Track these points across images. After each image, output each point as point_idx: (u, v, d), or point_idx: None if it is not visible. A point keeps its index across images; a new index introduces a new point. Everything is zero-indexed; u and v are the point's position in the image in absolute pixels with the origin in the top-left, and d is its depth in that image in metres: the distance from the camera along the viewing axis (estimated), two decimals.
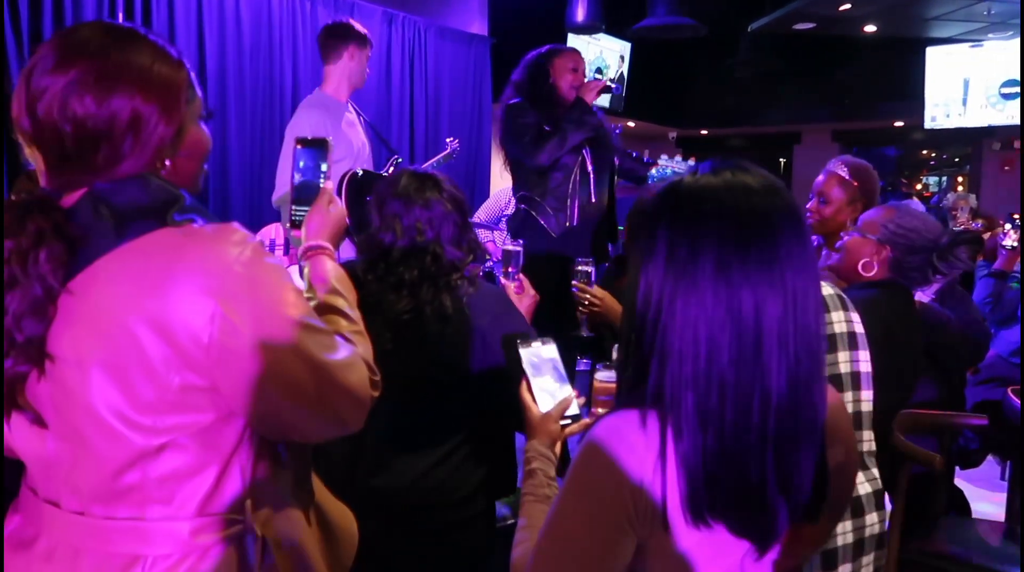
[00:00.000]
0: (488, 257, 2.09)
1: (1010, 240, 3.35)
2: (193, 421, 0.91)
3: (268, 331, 0.90)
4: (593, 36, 6.89)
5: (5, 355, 0.89)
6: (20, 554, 0.94)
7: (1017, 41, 7.06)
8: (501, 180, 4.87)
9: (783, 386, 0.85)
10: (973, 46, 7.35)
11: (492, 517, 1.69)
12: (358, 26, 3.22)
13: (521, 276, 1.96)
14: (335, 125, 3.05)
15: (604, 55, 7.46)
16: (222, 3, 4.35)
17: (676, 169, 3.87)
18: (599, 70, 7.35)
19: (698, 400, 0.84)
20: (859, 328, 1.50)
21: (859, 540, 1.42)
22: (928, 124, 7.65)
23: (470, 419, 1.61)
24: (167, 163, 0.97)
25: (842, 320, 1.48)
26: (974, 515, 2.73)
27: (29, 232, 0.87)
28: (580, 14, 5.76)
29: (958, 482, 2.85)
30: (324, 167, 1.21)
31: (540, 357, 1.36)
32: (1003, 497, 3.45)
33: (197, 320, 0.88)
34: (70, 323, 0.89)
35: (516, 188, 3.15)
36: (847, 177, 2.47)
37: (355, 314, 1.10)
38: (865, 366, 1.49)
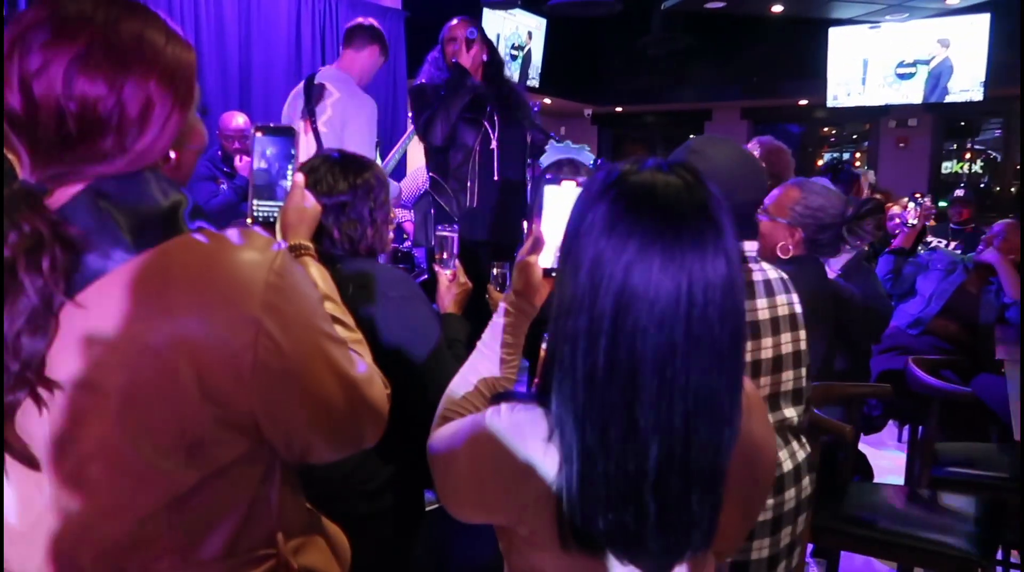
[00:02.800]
0: (407, 237, 1.99)
1: (911, 218, 3.53)
2: (225, 455, 0.80)
3: (307, 348, 0.81)
4: (508, 11, 6.82)
5: None
6: None
7: (913, 23, 7.40)
8: (420, 158, 4.78)
9: (673, 433, 0.80)
10: (872, 27, 7.66)
11: (410, 510, 1.65)
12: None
13: (457, 263, 1.85)
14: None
15: (519, 30, 7.40)
16: None
17: (571, 148, 3.89)
18: (516, 46, 7.30)
19: (577, 430, 0.81)
20: (798, 308, 1.53)
21: (777, 516, 1.45)
22: (830, 103, 7.95)
23: None
24: (172, 157, 0.85)
25: (785, 302, 1.50)
26: (876, 476, 2.88)
27: (24, 233, 0.73)
28: None
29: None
30: (293, 157, 1.13)
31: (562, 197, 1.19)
32: (899, 457, 3.68)
33: (237, 342, 0.76)
34: (79, 343, 0.75)
35: (427, 169, 3.09)
36: (757, 156, 2.53)
37: (349, 320, 1.02)
38: (803, 344, 1.53)
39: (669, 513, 0.82)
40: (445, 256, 1.86)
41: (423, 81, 2.96)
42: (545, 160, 3.27)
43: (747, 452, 0.92)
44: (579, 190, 1.19)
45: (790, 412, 1.49)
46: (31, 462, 0.76)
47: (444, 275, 1.83)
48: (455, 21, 2.98)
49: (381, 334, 1.51)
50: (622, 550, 0.84)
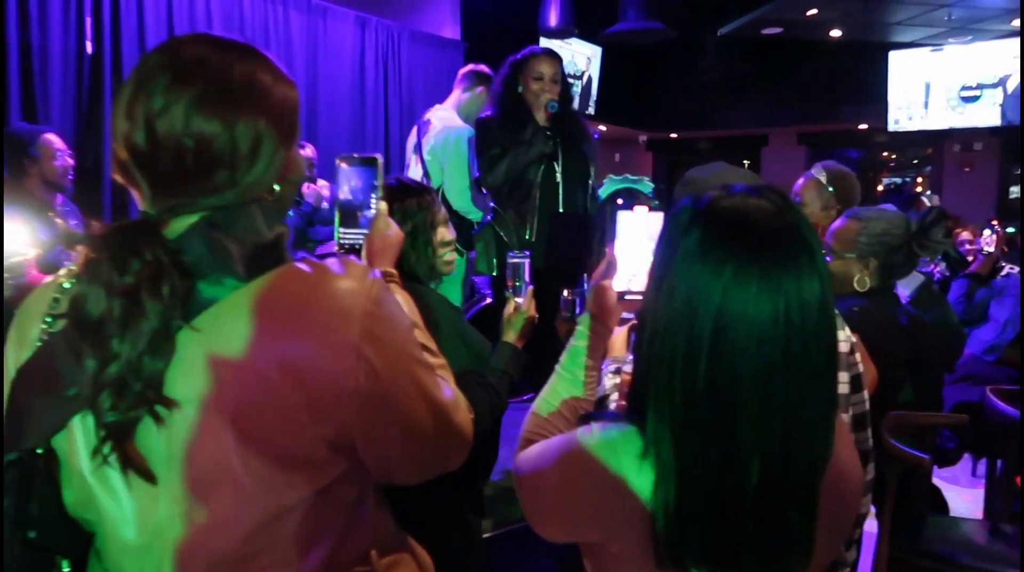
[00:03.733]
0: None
1: (987, 245, 3.45)
2: (326, 474, 0.84)
3: (401, 373, 0.85)
4: (565, 40, 6.91)
5: (114, 406, 0.77)
6: None
7: (977, 45, 7.25)
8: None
9: (772, 450, 0.80)
10: (934, 50, 7.53)
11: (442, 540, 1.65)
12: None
13: (529, 291, 1.80)
14: None
15: (575, 59, 7.48)
16: (193, 3, 4.28)
17: (630, 179, 3.89)
18: (572, 75, 7.37)
19: (675, 450, 0.82)
20: (852, 340, 1.51)
21: None
22: (892, 127, 7.81)
23: None
24: (276, 189, 0.90)
25: (841, 340, 1.49)
26: (951, 512, 2.79)
27: (147, 261, 0.78)
28: (553, 18, 5.78)
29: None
30: (377, 186, 1.16)
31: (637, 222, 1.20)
32: (973, 493, 3.54)
33: (338, 367, 0.80)
34: (196, 365, 0.79)
35: (489, 200, 3.11)
36: (824, 182, 2.50)
37: (433, 346, 1.05)
38: (859, 368, 1.51)
39: (767, 532, 0.83)
40: (516, 283, 1.82)
41: (489, 114, 2.98)
42: (604, 192, 3.26)
43: (835, 475, 0.92)
44: (651, 215, 1.22)
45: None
46: (149, 476, 0.80)
47: (512, 303, 1.80)
48: (534, 54, 2.94)
49: None
50: (718, 569, 0.85)
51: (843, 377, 1.48)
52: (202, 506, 0.80)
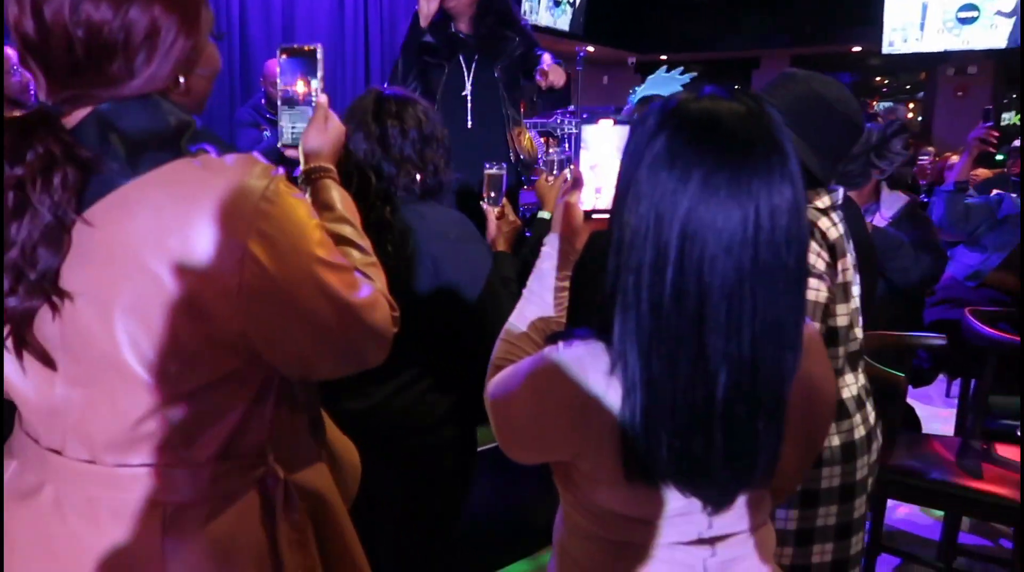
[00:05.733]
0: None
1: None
2: (219, 367, 0.85)
3: (297, 272, 0.84)
4: None
5: (11, 290, 0.80)
6: (25, 504, 0.87)
7: None
8: None
9: (741, 359, 0.80)
10: None
11: (466, 444, 1.68)
12: None
13: (505, 201, 1.83)
14: None
15: None
16: None
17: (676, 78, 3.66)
18: None
19: (641, 362, 0.81)
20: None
21: (848, 442, 1.43)
22: (886, 49, 7.65)
23: (424, 350, 1.57)
24: (181, 82, 0.88)
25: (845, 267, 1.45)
26: (924, 430, 2.85)
27: (39, 153, 0.78)
28: None
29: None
30: (316, 80, 1.12)
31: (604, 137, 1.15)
32: (947, 412, 3.62)
33: (226, 263, 0.80)
34: (88, 258, 0.80)
35: None
36: None
37: (365, 243, 1.04)
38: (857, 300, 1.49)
39: (735, 440, 0.83)
40: (493, 194, 1.85)
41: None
42: (642, 91, 3.12)
43: (806, 388, 0.92)
44: (617, 128, 1.17)
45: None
46: (48, 362, 0.83)
47: (492, 213, 1.82)
48: None
49: (440, 274, 1.53)
50: (686, 480, 0.85)
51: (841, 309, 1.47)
52: (94, 393, 0.84)
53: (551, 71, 2.79)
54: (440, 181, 1.60)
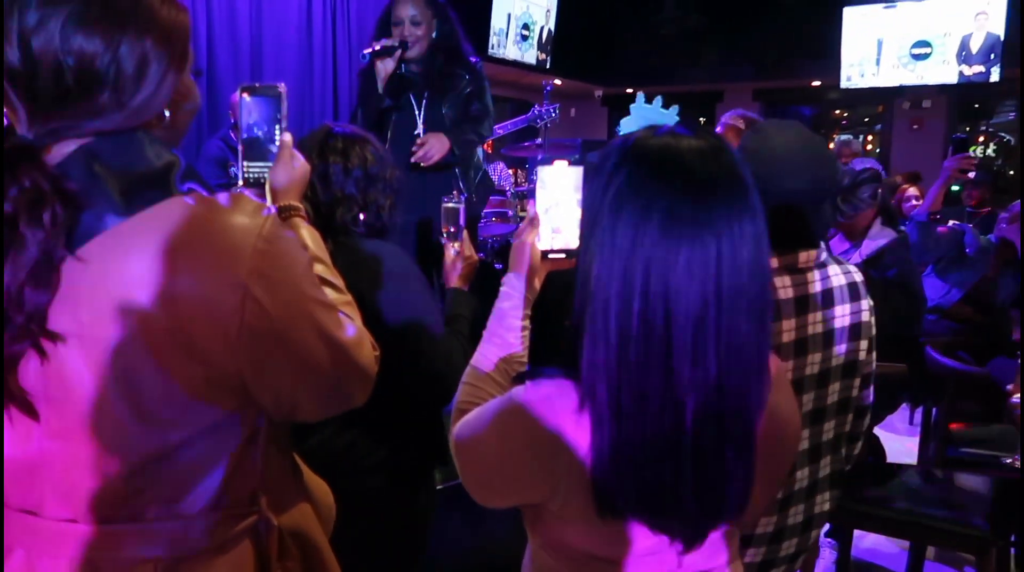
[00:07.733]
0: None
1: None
2: (211, 413, 0.82)
3: (293, 312, 0.83)
4: None
5: None
6: None
7: (929, 2, 7.30)
8: None
9: (708, 386, 0.81)
10: (887, 7, 7.56)
11: (416, 484, 1.65)
12: None
13: (465, 235, 1.77)
14: None
15: (531, 10, 7.34)
16: None
17: (661, 112, 3.69)
18: (526, 26, 7.24)
19: (610, 393, 0.82)
20: (866, 317, 1.47)
21: (812, 483, 1.44)
22: (844, 83, 7.86)
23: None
24: (167, 115, 0.87)
25: (864, 308, 1.45)
26: (888, 459, 2.88)
27: (24, 188, 0.74)
28: None
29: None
30: (280, 118, 1.12)
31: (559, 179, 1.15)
32: (910, 441, 3.67)
33: (226, 304, 0.78)
34: (78, 298, 0.77)
35: None
36: (743, 128, 2.48)
37: (339, 281, 1.03)
38: (863, 354, 1.49)
39: (705, 470, 0.83)
40: (452, 229, 1.78)
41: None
42: (626, 125, 3.15)
43: (773, 423, 0.93)
44: (572, 169, 1.18)
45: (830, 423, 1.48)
46: (30, 411, 0.79)
47: (451, 249, 1.76)
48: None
49: (367, 310, 1.51)
50: (656, 513, 0.85)
51: (863, 345, 1.46)
52: (80, 443, 0.79)
53: (426, 141, 2.74)
54: (383, 222, 1.59)
